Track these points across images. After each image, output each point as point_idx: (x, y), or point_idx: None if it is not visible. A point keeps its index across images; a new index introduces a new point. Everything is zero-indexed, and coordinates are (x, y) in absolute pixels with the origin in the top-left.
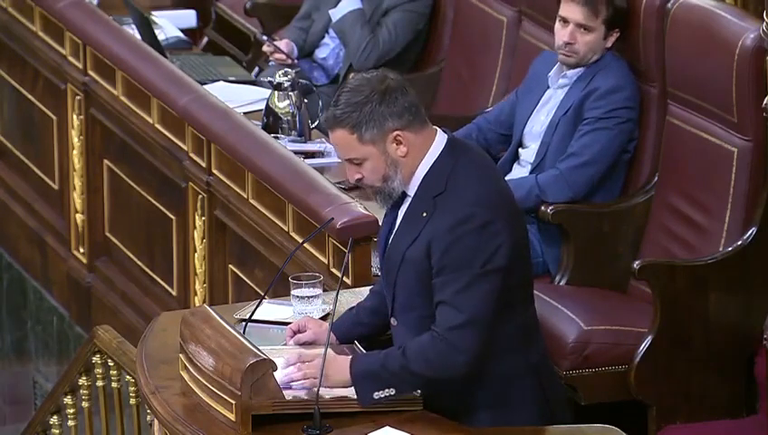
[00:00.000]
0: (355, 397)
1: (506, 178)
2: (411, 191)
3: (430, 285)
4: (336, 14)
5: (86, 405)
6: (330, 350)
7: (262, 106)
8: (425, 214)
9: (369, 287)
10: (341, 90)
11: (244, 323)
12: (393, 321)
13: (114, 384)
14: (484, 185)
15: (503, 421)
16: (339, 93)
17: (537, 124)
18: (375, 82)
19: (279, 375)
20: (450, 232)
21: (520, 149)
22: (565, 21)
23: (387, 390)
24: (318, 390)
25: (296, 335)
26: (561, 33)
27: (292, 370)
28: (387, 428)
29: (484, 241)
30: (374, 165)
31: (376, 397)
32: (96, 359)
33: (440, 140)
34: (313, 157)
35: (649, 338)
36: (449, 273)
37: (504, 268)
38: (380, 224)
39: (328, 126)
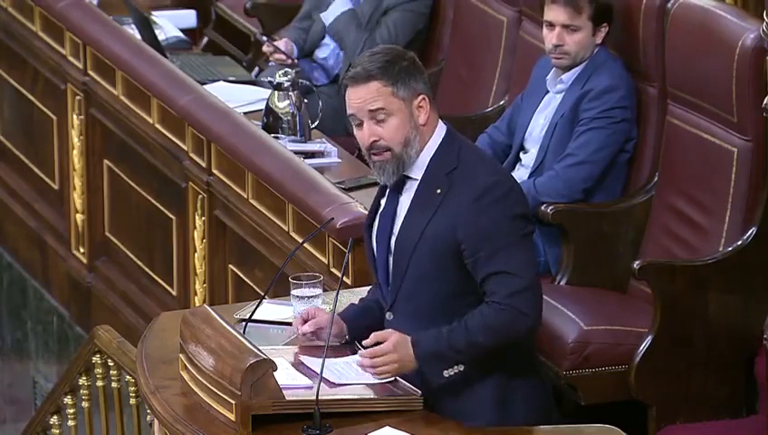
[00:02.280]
0: (355, 397)
1: None
2: (417, 174)
3: (447, 264)
4: (327, 17)
5: (86, 405)
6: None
7: (262, 106)
8: (439, 191)
9: (368, 288)
10: (362, 56)
11: (244, 323)
12: (389, 315)
13: (114, 384)
14: (493, 159)
15: (505, 414)
16: (358, 60)
17: (537, 128)
18: (401, 51)
19: (348, 373)
20: (477, 202)
21: (521, 154)
22: (551, 24)
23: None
24: (318, 390)
25: (306, 323)
26: (549, 37)
27: (361, 360)
28: (387, 428)
29: (514, 206)
30: (399, 123)
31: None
32: (96, 359)
33: (442, 126)
34: (313, 157)
35: (649, 338)
36: (491, 242)
37: (532, 233)
38: (376, 217)
39: (359, 79)
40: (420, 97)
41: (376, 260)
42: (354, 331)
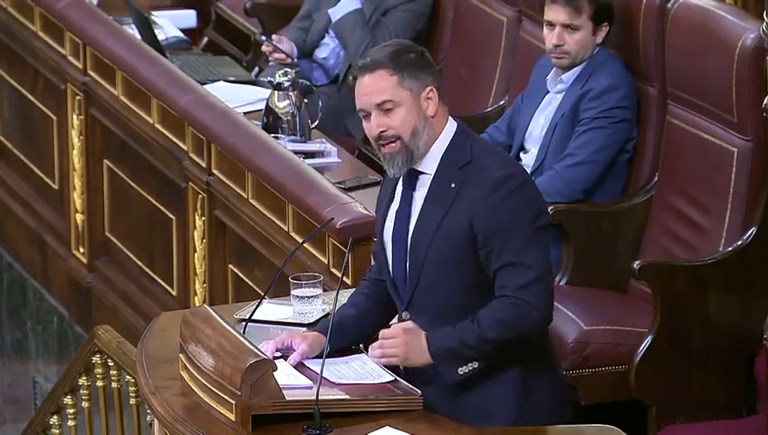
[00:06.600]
0: (355, 397)
1: None
2: (430, 169)
3: (465, 258)
4: (335, 13)
5: (86, 405)
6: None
7: (262, 106)
8: (453, 184)
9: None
10: (372, 50)
11: (244, 323)
12: (406, 314)
13: (114, 384)
14: (505, 153)
15: (527, 411)
16: (368, 52)
17: (537, 128)
18: (410, 44)
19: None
20: (492, 195)
21: (521, 154)
22: (551, 24)
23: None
24: (318, 390)
25: (292, 355)
26: (550, 37)
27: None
28: (387, 428)
29: (529, 198)
30: (406, 114)
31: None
32: (96, 359)
33: (452, 122)
34: (313, 157)
35: (649, 338)
36: (505, 234)
37: (548, 226)
38: (388, 212)
39: (366, 69)
40: (428, 89)
41: (391, 260)
42: (333, 346)
